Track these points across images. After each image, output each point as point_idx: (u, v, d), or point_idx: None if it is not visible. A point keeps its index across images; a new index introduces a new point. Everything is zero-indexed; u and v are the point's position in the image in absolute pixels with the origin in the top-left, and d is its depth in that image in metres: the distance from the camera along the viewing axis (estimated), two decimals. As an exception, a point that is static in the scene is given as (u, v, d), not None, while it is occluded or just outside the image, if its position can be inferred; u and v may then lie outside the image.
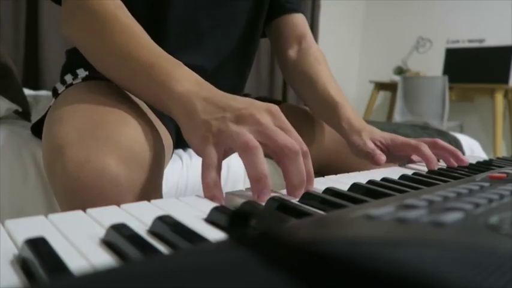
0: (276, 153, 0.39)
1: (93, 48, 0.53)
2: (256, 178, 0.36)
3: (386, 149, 0.65)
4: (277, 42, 0.83)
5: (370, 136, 0.66)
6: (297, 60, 0.79)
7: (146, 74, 0.47)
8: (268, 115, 0.40)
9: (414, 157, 0.66)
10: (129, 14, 0.54)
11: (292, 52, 0.80)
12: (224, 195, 0.37)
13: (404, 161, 0.66)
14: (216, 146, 0.39)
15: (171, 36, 0.69)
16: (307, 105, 0.80)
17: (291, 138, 0.38)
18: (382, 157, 0.61)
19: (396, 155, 0.65)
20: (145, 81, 0.48)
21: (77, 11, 0.54)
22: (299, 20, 0.82)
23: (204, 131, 0.40)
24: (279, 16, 0.81)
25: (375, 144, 0.65)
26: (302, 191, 0.39)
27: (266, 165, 0.37)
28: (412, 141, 0.63)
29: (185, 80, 0.45)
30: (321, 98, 0.73)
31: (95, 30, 0.52)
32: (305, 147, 0.40)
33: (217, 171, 0.38)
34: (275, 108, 0.41)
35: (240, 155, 0.37)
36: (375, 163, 0.62)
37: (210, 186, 0.37)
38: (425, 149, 0.60)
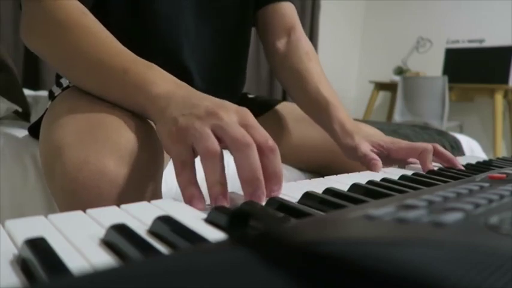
0: (229, 146, 0.37)
1: (61, 58, 0.52)
2: (211, 184, 0.35)
3: (387, 152, 0.64)
4: (264, 33, 0.79)
5: (368, 140, 0.64)
6: (285, 53, 0.76)
7: (121, 79, 0.47)
8: (235, 115, 0.39)
9: (411, 160, 0.64)
10: (94, 19, 0.52)
11: (281, 44, 0.77)
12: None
13: (402, 164, 0.65)
14: (183, 143, 0.38)
15: (156, 36, 0.67)
16: (296, 102, 0.77)
17: (244, 132, 0.36)
18: (378, 163, 0.59)
19: (395, 159, 0.64)
20: (120, 87, 0.48)
21: (39, 20, 0.52)
22: (287, 9, 0.78)
23: (170, 127, 0.39)
24: (266, 4, 0.77)
25: (374, 147, 0.64)
26: (260, 192, 0.35)
27: (223, 172, 0.36)
28: (417, 144, 0.61)
29: (161, 82, 0.45)
30: (312, 97, 0.70)
31: (61, 40, 0.51)
32: (271, 143, 0.38)
33: (190, 169, 0.37)
34: (244, 110, 0.40)
35: (201, 160, 0.36)
36: (369, 169, 0.59)
37: (186, 186, 0.36)
38: (430, 155, 0.59)
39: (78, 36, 0.50)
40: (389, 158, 0.64)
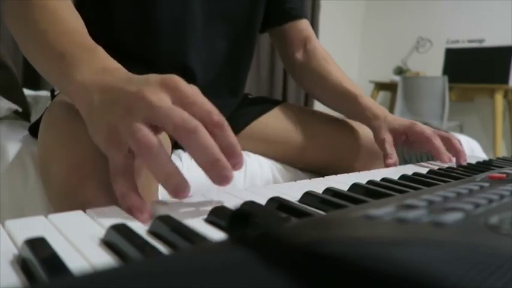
0: (173, 136, 0.33)
1: (22, 38, 0.50)
2: (164, 179, 0.31)
3: (405, 135, 0.69)
4: (282, 46, 0.84)
5: (390, 126, 0.69)
6: (304, 62, 0.81)
7: (56, 64, 0.43)
8: (165, 91, 0.34)
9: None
10: (68, 4, 0.50)
11: (299, 55, 0.82)
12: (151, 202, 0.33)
13: (422, 151, 0.69)
14: (117, 146, 0.34)
15: (161, 36, 0.67)
16: (321, 101, 0.82)
17: (185, 115, 0.32)
18: (391, 161, 0.64)
19: (413, 142, 0.69)
20: (55, 73, 0.44)
21: (16, 2, 0.51)
22: (303, 24, 0.83)
23: (105, 133, 0.35)
24: (284, 23, 0.82)
25: (393, 134, 0.69)
26: (226, 172, 0.31)
27: (172, 161, 0.32)
28: (427, 131, 0.66)
29: (88, 68, 0.40)
30: (337, 92, 0.76)
31: (23, 20, 0.49)
32: (216, 118, 0.33)
33: (126, 175, 0.33)
34: (172, 79, 0.35)
35: (136, 157, 0.33)
36: (385, 164, 0.65)
37: (123, 195, 0.32)
38: (437, 141, 0.63)
39: (38, 15, 0.48)
40: (407, 142, 0.70)
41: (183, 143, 0.32)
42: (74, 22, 0.49)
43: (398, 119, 0.71)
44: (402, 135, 0.69)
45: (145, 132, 0.32)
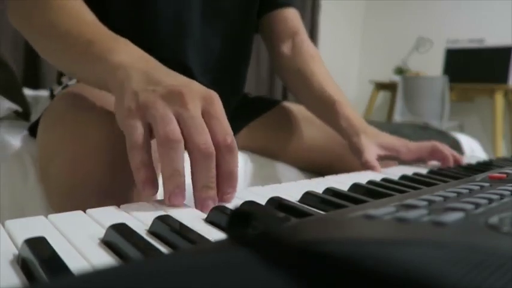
0: (188, 149, 0.34)
1: (33, 32, 0.50)
2: (169, 174, 0.32)
3: (396, 154, 0.64)
4: (269, 38, 0.81)
5: (377, 142, 0.64)
6: (290, 57, 0.77)
7: (85, 51, 0.43)
8: (201, 100, 0.36)
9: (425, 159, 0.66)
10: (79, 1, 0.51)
11: (286, 49, 0.78)
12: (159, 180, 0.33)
13: (412, 164, 0.66)
14: (140, 119, 0.34)
15: (159, 35, 0.67)
16: (302, 103, 0.78)
17: (208, 139, 0.34)
18: (378, 170, 0.60)
19: (405, 159, 0.65)
20: (84, 59, 0.44)
21: None
22: (291, 14, 0.79)
23: (129, 101, 0.35)
24: (271, 11, 0.78)
25: (383, 150, 0.64)
26: (211, 200, 0.33)
27: (183, 163, 0.33)
28: (425, 144, 0.64)
29: (125, 53, 0.41)
30: (318, 96, 0.71)
31: (34, 13, 0.49)
32: (230, 141, 0.35)
33: (145, 149, 0.34)
34: (211, 94, 0.37)
35: (158, 145, 0.33)
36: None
37: (139, 167, 0.33)
38: (443, 148, 0.62)
39: (50, 7, 0.48)
40: (398, 160, 0.65)
41: (193, 162, 0.34)
42: (90, 14, 0.49)
43: (386, 135, 0.66)
44: (394, 153, 0.64)
45: (175, 126, 0.33)
